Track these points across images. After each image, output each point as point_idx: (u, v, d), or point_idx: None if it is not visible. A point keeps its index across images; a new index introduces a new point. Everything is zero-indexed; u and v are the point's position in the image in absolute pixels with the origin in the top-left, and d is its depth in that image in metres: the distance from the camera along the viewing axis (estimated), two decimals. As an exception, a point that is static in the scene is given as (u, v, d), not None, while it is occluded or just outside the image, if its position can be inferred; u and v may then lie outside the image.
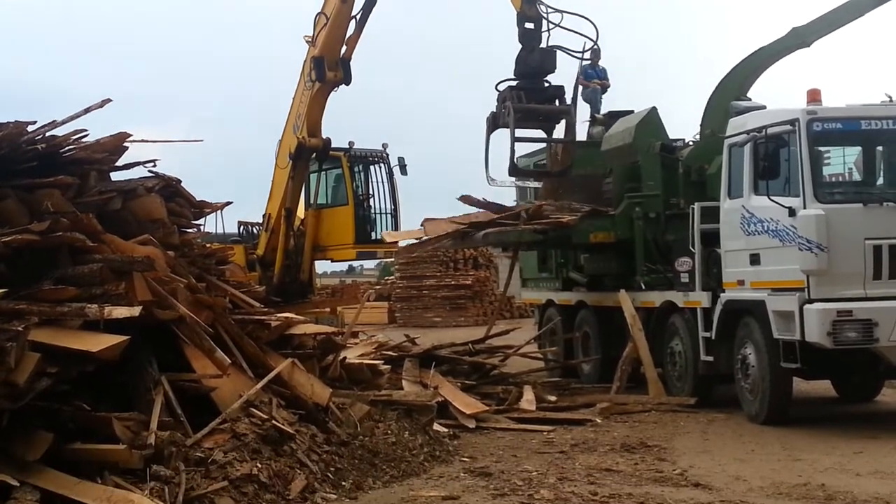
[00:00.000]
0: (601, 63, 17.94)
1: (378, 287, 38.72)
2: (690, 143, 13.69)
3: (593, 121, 17.02)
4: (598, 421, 10.94)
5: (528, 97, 13.40)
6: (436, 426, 9.56)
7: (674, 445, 9.46)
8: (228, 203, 11.40)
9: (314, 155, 18.11)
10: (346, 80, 17.11)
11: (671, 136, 13.89)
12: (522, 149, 17.18)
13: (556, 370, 15.10)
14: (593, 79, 17.65)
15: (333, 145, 18.21)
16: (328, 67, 16.83)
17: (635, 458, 8.74)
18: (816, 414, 11.47)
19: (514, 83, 13.48)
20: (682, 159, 13.24)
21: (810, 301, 9.80)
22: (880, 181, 11.12)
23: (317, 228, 19.01)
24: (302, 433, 7.51)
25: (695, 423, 10.87)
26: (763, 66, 13.50)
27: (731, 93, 13.01)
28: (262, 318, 8.96)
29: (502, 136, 13.63)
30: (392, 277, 37.28)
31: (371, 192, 19.64)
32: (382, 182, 19.65)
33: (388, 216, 19.56)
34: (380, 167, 19.72)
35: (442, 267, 32.83)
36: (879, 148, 11.17)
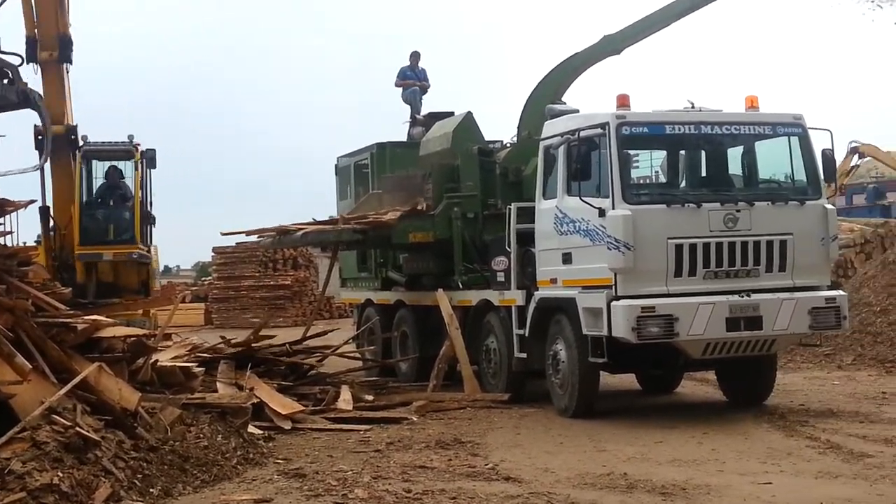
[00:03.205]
0: (421, 64, 18.18)
1: (195, 288, 37.82)
2: (508, 144, 14.00)
3: (413, 121, 17.20)
4: (415, 419, 11.02)
5: None
6: (250, 428, 9.41)
7: (487, 441, 9.63)
8: (32, 201, 10.82)
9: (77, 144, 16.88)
10: (65, 57, 16.05)
11: (489, 137, 14.18)
12: (345, 149, 17.20)
13: (374, 369, 15.14)
14: (411, 80, 17.85)
15: None
16: (42, 47, 15.81)
17: (449, 454, 8.84)
18: (621, 406, 11.93)
19: None
20: (499, 161, 13.51)
21: (617, 298, 10.15)
22: (683, 183, 11.66)
23: (76, 227, 17.61)
24: (108, 439, 7.23)
25: (508, 418, 11.11)
26: (577, 71, 13.93)
27: (546, 96, 13.35)
28: (68, 321, 8.59)
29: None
30: (210, 278, 36.50)
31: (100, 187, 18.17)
32: (142, 178, 18.07)
33: (130, 213, 17.93)
34: (128, 162, 18.10)
35: (261, 267, 32.40)
36: (682, 152, 11.71)
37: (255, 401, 10.37)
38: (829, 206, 11.00)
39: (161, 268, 39.34)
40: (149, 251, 18.87)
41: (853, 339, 15.00)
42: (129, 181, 18.12)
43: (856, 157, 36.53)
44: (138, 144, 18.11)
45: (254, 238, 18.19)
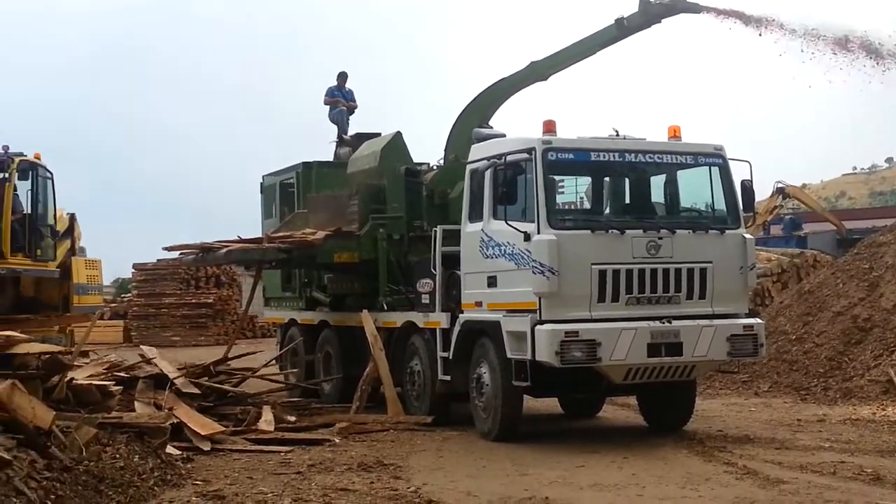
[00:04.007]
0: (348, 85, 18.16)
1: (114, 305, 37.08)
2: (435, 167, 14.05)
3: (340, 141, 17.18)
4: (337, 441, 10.93)
5: None
6: (169, 449, 9.23)
7: (409, 464, 9.59)
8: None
9: None
10: None
11: (416, 159, 14.20)
12: (268, 167, 17.15)
13: (297, 390, 14.99)
14: (339, 99, 17.82)
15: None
16: None
17: (371, 476, 8.78)
18: (544, 430, 11.99)
19: None
20: (426, 183, 13.55)
21: (541, 322, 10.19)
22: (607, 210, 11.81)
23: None
24: (20, 459, 7.02)
25: (430, 441, 11.08)
26: (504, 96, 14.09)
27: (473, 120, 13.48)
28: (-22, 336, 8.34)
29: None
30: (129, 295, 35.85)
31: None
32: (35, 190, 17.83)
33: None
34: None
35: (183, 285, 31.96)
36: (606, 179, 11.88)
37: (174, 421, 10.19)
38: (748, 236, 11.23)
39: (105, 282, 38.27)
40: (58, 265, 18.45)
41: (770, 367, 15.32)
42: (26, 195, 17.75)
43: (780, 197, 37.51)
44: (14, 155, 17.76)
45: (175, 255, 17.91)
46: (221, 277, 32.42)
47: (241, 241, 14.93)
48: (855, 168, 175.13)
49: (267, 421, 11.50)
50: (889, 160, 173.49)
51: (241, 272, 28.93)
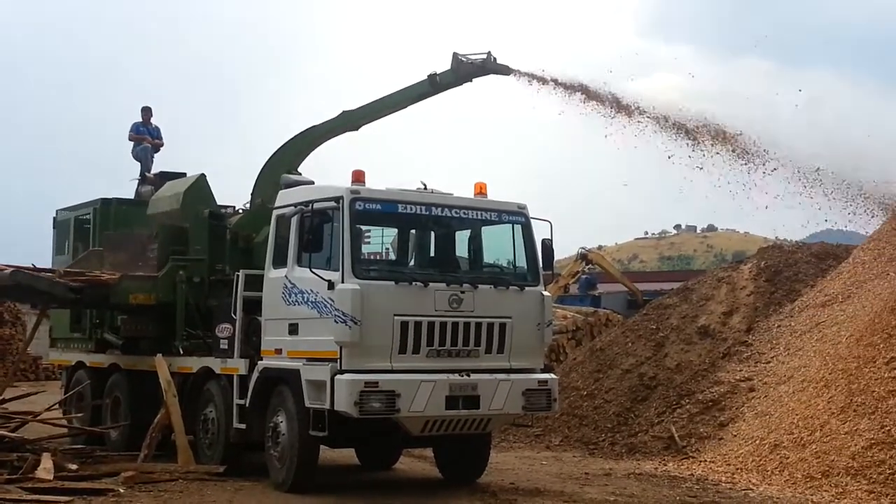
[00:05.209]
0: (154, 122, 17.70)
1: None
2: (241, 210, 13.82)
3: (143, 179, 16.69)
4: (121, 491, 10.45)
5: None
6: (-68, 498, 8.56)
7: (198, 515, 9.27)
8: None
9: None
10: None
11: (222, 202, 13.93)
12: (65, 202, 16.42)
13: (82, 437, 14.24)
14: (145, 136, 17.35)
15: None
16: None
17: (156, 528, 8.44)
18: (339, 482, 11.84)
19: None
20: (230, 226, 13.31)
21: (341, 372, 10.12)
22: (412, 262, 11.92)
23: None
24: None
25: (222, 491, 10.75)
26: (314, 143, 14.07)
27: (282, 165, 13.38)
28: None
29: None
30: None
31: None
32: None
33: None
34: None
35: (-41, 320, 29.88)
36: (413, 231, 12.01)
37: (-59, 467, 9.47)
38: (546, 293, 11.58)
39: None
40: None
41: (561, 422, 15.78)
42: None
43: (584, 263, 38.89)
44: None
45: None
46: (4, 315, 30.54)
47: (34, 268, 14.09)
48: (647, 233, 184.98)
49: (46, 469, 10.85)
50: (678, 227, 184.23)
51: (27, 310, 27.40)
